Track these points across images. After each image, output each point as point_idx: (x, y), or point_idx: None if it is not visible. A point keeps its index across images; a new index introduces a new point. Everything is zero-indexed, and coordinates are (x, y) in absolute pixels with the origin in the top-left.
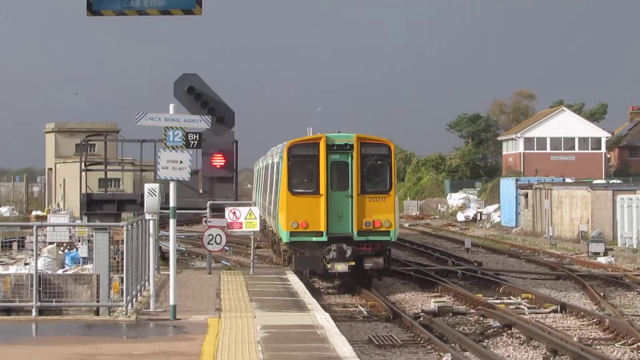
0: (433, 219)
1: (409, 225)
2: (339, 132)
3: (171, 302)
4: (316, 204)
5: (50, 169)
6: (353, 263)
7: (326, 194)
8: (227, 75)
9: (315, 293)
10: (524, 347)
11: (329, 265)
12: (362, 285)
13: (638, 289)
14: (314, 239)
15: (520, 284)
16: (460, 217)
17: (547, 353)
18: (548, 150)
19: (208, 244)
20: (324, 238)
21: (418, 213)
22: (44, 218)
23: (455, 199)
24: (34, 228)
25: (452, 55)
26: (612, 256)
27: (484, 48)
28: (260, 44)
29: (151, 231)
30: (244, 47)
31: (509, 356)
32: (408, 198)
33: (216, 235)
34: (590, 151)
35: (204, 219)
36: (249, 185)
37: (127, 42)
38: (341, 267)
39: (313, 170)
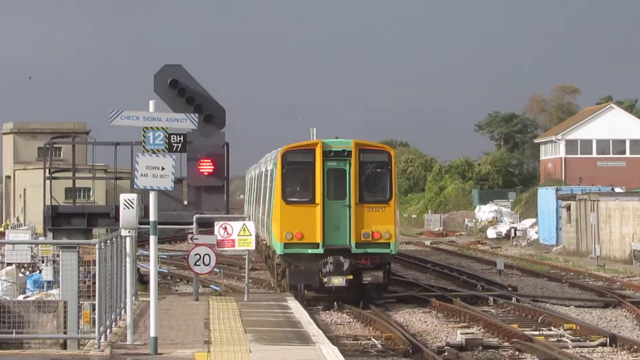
0: (459, 236)
1: (431, 243)
2: (337, 138)
3: (152, 334)
4: (312, 213)
5: (8, 177)
6: (351, 277)
7: (322, 204)
8: (216, 66)
9: (320, 321)
10: None
11: (325, 279)
12: (361, 300)
13: None
14: (310, 251)
15: (562, 313)
16: (491, 233)
17: None
18: (594, 154)
19: (195, 265)
20: (320, 250)
21: (441, 229)
22: (1, 235)
23: (484, 212)
24: None
25: (482, 45)
26: None
27: (519, 37)
28: (255, 31)
29: (128, 250)
30: (235, 35)
31: None
32: (429, 211)
33: (204, 255)
34: None
35: (190, 236)
36: (241, 196)
37: (98, 28)
38: (338, 280)
39: (308, 178)
